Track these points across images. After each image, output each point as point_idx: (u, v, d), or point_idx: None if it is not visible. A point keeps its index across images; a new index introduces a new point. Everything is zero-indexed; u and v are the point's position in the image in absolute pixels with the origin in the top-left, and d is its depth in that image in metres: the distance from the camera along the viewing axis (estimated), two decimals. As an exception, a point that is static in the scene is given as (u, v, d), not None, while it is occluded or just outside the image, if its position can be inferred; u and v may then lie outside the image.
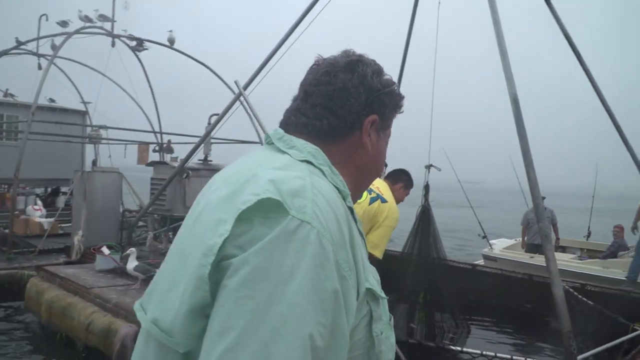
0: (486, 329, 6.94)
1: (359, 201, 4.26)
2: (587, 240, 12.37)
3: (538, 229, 3.71)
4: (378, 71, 1.17)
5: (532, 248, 10.49)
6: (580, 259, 10.77)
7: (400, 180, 4.76)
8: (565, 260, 9.72)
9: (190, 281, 0.88)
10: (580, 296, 6.13)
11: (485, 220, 10.71)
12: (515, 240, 11.95)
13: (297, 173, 0.96)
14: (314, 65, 1.18)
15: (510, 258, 10.11)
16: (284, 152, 1.06)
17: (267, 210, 0.87)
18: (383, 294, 1.08)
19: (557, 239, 11.17)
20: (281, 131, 1.14)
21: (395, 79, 1.26)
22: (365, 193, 4.34)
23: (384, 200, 4.37)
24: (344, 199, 1.03)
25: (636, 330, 5.25)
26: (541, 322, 6.72)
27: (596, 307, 5.85)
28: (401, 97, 1.22)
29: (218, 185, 1.03)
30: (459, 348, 5.00)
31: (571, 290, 6.22)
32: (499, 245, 11.24)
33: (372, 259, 4.34)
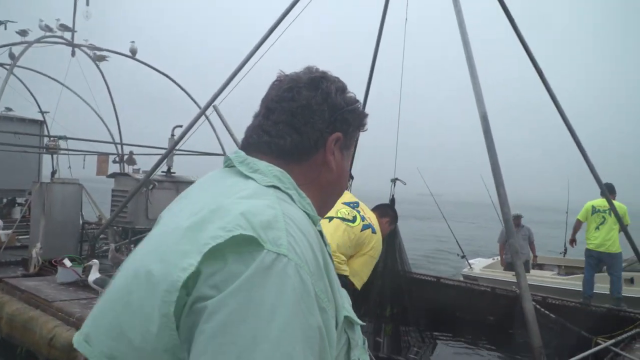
0: (451, 343, 6.99)
1: (351, 224, 4.31)
2: (564, 256, 12.21)
3: (509, 245, 3.74)
4: (342, 88, 1.15)
5: (512, 266, 10.17)
6: (559, 276, 10.70)
7: (387, 215, 4.86)
8: (547, 277, 9.74)
9: (153, 317, 0.81)
10: (542, 309, 6.24)
11: (454, 236, 10.63)
12: (493, 259, 11.74)
13: (267, 202, 0.92)
14: (275, 81, 1.15)
15: (492, 277, 9.86)
16: (247, 177, 1.01)
17: (239, 245, 0.82)
18: (358, 320, 1.06)
19: (535, 256, 11.10)
20: (242, 154, 1.08)
21: (361, 98, 1.24)
22: (358, 218, 4.37)
23: (374, 231, 4.39)
24: (314, 223, 1.00)
25: (599, 343, 5.36)
26: (504, 334, 6.81)
27: (559, 320, 5.96)
28: (365, 115, 1.20)
29: (177, 212, 0.99)
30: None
31: (533, 303, 6.32)
32: (478, 265, 11.05)
33: (349, 286, 4.26)
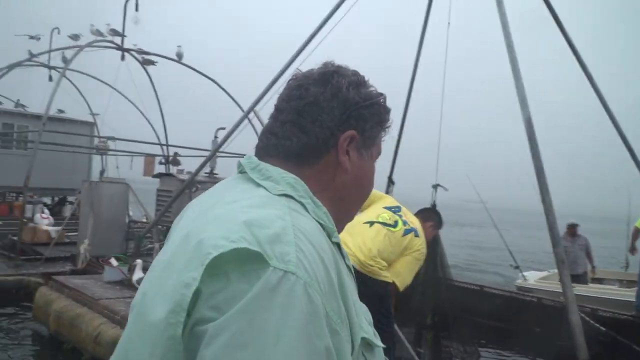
0: (495, 354, 6.80)
1: (392, 229, 4.20)
2: (625, 271, 10.98)
3: (555, 254, 3.60)
4: (357, 83, 1.05)
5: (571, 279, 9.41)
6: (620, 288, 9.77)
7: (431, 219, 4.72)
8: (611, 289, 9.11)
9: (157, 340, 0.76)
10: (592, 321, 6.00)
11: (507, 246, 9.64)
12: (549, 272, 10.57)
13: (276, 212, 0.84)
14: (290, 79, 1.08)
15: (548, 289, 8.87)
16: (259, 185, 0.94)
17: (243, 261, 0.75)
18: (379, 342, 0.98)
19: (593, 268, 10.18)
20: (255, 159, 1.01)
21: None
22: (400, 223, 4.27)
23: (417, 235, 4.28)
24: (329, 235, 0.93)
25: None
26: (551, 346, 6.58)
27: (609, 333, 5.71)
28: (386, 111, 1.10)
29: (185, 222, 0.94)
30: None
31: (582, 315, 6.09)
32: (533, 276, 10.15)
33: (390, 292, 4.19)
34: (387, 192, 7.11)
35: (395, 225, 4.24)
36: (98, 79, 15.33)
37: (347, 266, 0.99)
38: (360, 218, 4.37)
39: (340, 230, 1.06)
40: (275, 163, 0.99)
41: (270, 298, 0.73)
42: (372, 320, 1.02)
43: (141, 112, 15.16)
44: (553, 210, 3.80)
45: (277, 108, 1.06)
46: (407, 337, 6.03)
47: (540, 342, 6.81)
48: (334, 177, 1.02)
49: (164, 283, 0.81)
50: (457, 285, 6.93)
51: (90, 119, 16.81)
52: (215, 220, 0.84)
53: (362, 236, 4.12)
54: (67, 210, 13.71)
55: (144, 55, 13.07)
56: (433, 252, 6.11)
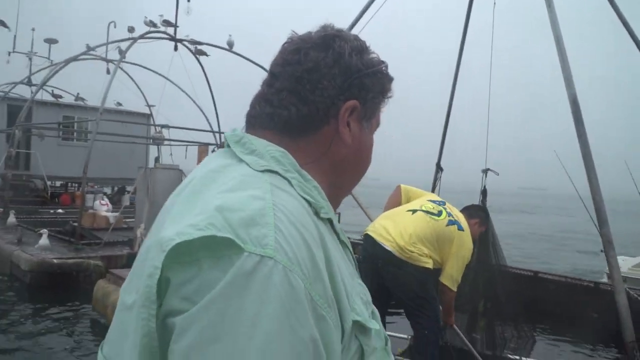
0: (552, 339, 6.66)
1: (436, 218, 4.20)
2: None
3: (602, 235, 3.49)
4: (359, 48, 0.96)
5: None
6: None
7: (477, 216, 4.64)
8: None
9: (136, 339, 0.70)
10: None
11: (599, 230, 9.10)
12: None
13: (254, 192, 0.76)
14: (285, 43, 0.98)
15: None
16: (241, 161, 0.86)
17: (215, 248, 0.68)
18: (374, 323, 0.88)
19: None
20: (239, 132, 0.93)
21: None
22: (444, 213, 4.26)
23: (460, 228, 4.24)
24: (317, 212, 0.85)
25: None
26: (609, 332, 6.39)
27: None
28: (389, 80, 1.01)
29: (166, 207, 0.87)
30: (517, 357, 4.80)
31: (638, 297, 5.88)
32: (625, 264, 9.04)
33: (444, 288, 4.23)
34: (435, 180, 7.03)
35: (439, 214, 4.23)
36: (152, 70, 15.73)
37: (343, 243, 0.93)
38: (404, 206, 4.39)
39: (336, 205, 1.00)
40: (267, 135, 0.91)
41: (245, 286, 0.66)
42: (370, 299, 0.94)
43: (194, 101, 15.49)
44: (600, 192, 3.68)
45: (272, 73, 0.96)
46: (461, 324, 5.98)
47: (597, 328, 6.62)
48: (328, 148, 0.94)
49: (136, 276, 0.76)
50: (511, 272, 6.80)
51: (146, 110, 17.33)
52: (184, 211, 0.77)
53: (404, 223, 4.15)
54: (126, 199, 14.25)
55: (196, 45, 13.32)
56: (485, 238, 6.02)
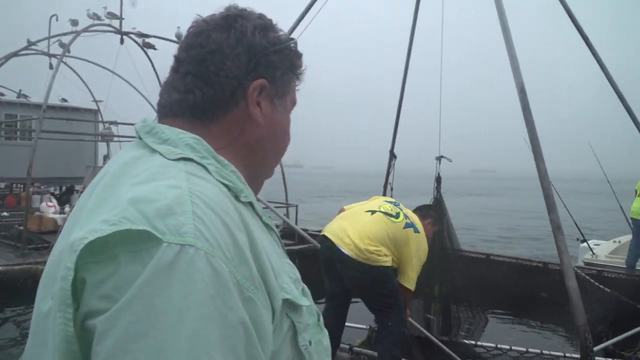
0: (504, 319, 6.88)
1: (394, 220, 4.23)
2: None
3: (550, 221, 3.61)
4: (263, 26, 0.95)
5: None
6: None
7: (429, 216, 4.71)
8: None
9: (55, 346, 0.67)
10: (597, 283, 6.04)
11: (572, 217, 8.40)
12: (615, 241, 9.47)
13: (169, 181, 0.74)
14: (190, 27, 0.96)
15: (622, 264, 7.79)
16: (154, 151, 0.83)
17: (131, 242, 0.66)
18: (304, 300, 0.87)
19: None
20: (149, 122, 0.91)
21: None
22: (402, 215, 4.30)
23: (416, 231, 4.30)
24: (237, 197, 0.83)
25: (656, 317, 5.15)
26: (558, 310, 6.65)
27: (614, 294, 5.76)
28: (298, 56, 1.00)
29: (79, 205, 0.83)
30: (473, 342, 4.94)
31: (587, 277, 6.13)
32: (602, 250, 8.85)
33: (403, 289, 4.26)
34: (389, 167, 7.11)
35: (397, 216, 4.27)
36: (98, 65, 15.27)
37: (266, 224, 0.92)
38: (362, 207, 4.41)
39: (257, 188, 1.00)
40: (177, 123, 0.89)
41: (167, 277, 0.64)
42: (299, 277, 0.93)
43: (144, 96, 15.12)
44: (547, 177, 3.81)
45: (177, 59, 0.94)
46: (417, 308, 6.10)
47: (548, 307, 6.88)
48: (241, 131, 0.93)
49: (50, 281, 0.73)
50: (465, 255, 6.98)
51: (93, 106, 16.82)
52: (96, 207, 0.74)
53: (363, 224, 4.16)
54: (75, 199, 13.81)
55: (144, 38, 13.00)
56: (440, 223, 6.15)
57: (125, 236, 0.66)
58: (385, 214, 4.25)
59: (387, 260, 4.08)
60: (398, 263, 4.26)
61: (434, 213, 4.84)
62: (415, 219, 4.43)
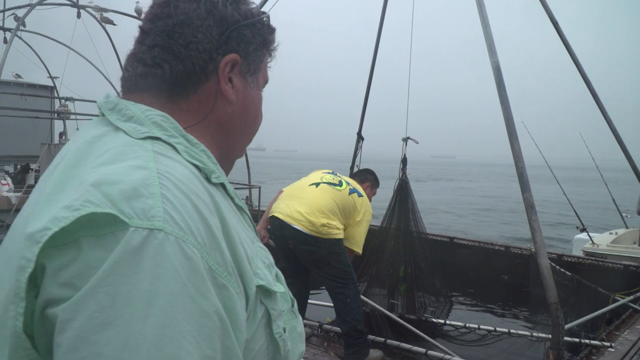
0: (467, 302, 6.96)
1: (339, 188, 4.26)
2: None
3: (524, 199, 3.62)
4: None
5: None
6: None
7: (367, 179, 4.82)
8: None
9: (4, 342, 0.62)
10: (558, 267, 6.14)
11: (572, 206, 8.41)
12: (612, 233, 9.13)
13: (135, 161, 0.70)
14: None
15: (626, 254, 7.52)
16: (118, 129, 0.78)
17: (95, 226, 0.61)
18: (278, 286, 0.84)
19: None
20: (113, 98, 0.85)
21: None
22: (344, 182, 4.36)
23: (360, 195, 4.39)
24: (207, 178, 0.79)
25: (617, 300, 5.27)
26: (520, 293, 6.77)
27: (575, 277, 5.87)
28: (271, 30, 0.95)
29: (39, 187, 0.78)
30: (441, 321, 4.97)
31: (548, 260, 6.21)
32: (601, 240, 8.49)
33: (352, 254, 4.30)
34: (356, 149, 7.09)
35: (340, 184, 4.34)
36: (53, 39, 14.70)
37: (239, 207, 0.88)
38: (304, 182, 4.41)
39: (228, 168, 0.95)
40: (144, 98, 0.84)
41: (134, 262, 0.60)
42: (273, 262, 0.91)
43: (101, 72, 14.66)
44: (522, 157, 3.80)
45: (142, 30, 0.88)
46: (381, 291, 6.11)
47: (509, 289, 6.99)
48: (211, 107, 0.88)
49: (1, 267, 0.68)
50: (429, 238, 7.01)
51: (49, 82, 16.23)
52: (55, 191, 0.68)
53: (311, 198, 4.17)
54: (31, 178, 13.38)
55: (101, 13, 12.55)
56: (405, 205, 6.16)
57: (89, 220, 0.61)
58: (329, 183, 4.31)
59: (339, 233, 4.12)
60: (347, 230, 4.30)
61: (371, 177, 4.91)
62: (355, 184, 4.51)
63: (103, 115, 0.83)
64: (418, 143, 6.08)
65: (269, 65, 0.99)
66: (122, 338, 0.57)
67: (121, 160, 0.70)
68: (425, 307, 6.12)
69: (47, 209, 0.65)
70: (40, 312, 0.61)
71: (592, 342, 4.06)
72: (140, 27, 0.89)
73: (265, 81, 0.99)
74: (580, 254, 7.78)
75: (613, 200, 9.26)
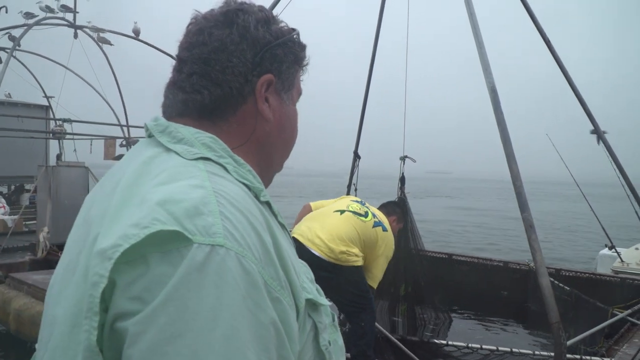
0: (467, 318, 6.94)
1: (364, 219, 4.22)
2: None
3: (523, 219, 3.63)
4: (265, 20, 0.93)
5: None
6: None
7: (394, 213, 4.78)
8: None
9: (77, 355, 0.65)
10: (556, 282, 6.15)
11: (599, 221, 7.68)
12: (637, 248, 8.60)
13: (193, 181, 0.74)
14: (189, 24, 0.95)
15: None
16: (169, 150, 0.82)
17: (162, 242, 0.65)
18: (323, 299, 0.90)
19: None
20: (163, 120, 0.89)
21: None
22: (370, 214, 4.31)
23: (385, 229, 4.33)
24: (257, 196, 0.83)
25: (615, 314, 5.28)
26: (519, 308, 6.76)
27: (573, 292, 5.87)
28: (302, 47, 0.99)
29: (89, 206, 0.83)
30: (444, 341, 4.95)
31: (549, 280, 6.20)
32: (628, 258, 7.93)
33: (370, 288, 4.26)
34: (353, 167, 7.11)
35: (366, 215, 4.29)
36: (50, 59, 14.72)
37: (281, 224, 0.91)
38: (330, 207, 4.39)
39: (268, 182, 0.99)
40: (187, 122, 0.87)
41: (199, 278, 0.64)
42: (313, 277, 0.96)
43: (98, 92, 14.66)
44: (520, 178, 3.82)
45: (180, 58, 0.92)
46: (382, 309, 6.09)
47: (509, 305, 6.98)
48: (253, 128, 0.92)
49: (73, 284, 0.71)
50: (428, 255, 7.01)
51: (44, 102, 16.22)
52: (121, 209, 0.72)
53: (333, 224, 4.14)
54: (25, 199, 13.31)
55: (99, 33, 12.59)
56: (404, 224, 6.16)
57: (156, 237, 0.65)
58: (354, 213, 4.25)
59: (357, 260, 4.08)
60: (366, 261, 4.26)
61: (398, 210, 4.90)
62: (382, 217, 4.46)
63: (150, 136, 0.87)
64: (415, 162, 6.12)
65: (301, 79, 1.03)
66: (192, 349, 0.60)
67: (179, 180, 0.74)
68: (426, 324, 6.10)
69: (115, 226, 0.69)
70: (110, 326, 0.65)
71: (593, 358, 4.06)
72: (178, 56, 0.93)
73: (299, 95, 1.03)
74: (608, 272, 7.36)
75: (636, 212, 8.72)
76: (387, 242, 4.30)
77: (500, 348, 4.71)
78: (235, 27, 0.90)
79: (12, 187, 16.08)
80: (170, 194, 0.70)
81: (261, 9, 0.95)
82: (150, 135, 0.87)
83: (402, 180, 6.09)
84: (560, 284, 6.13)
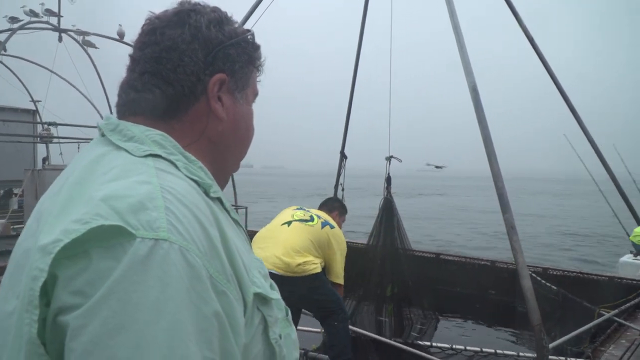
0: (454, 318, 6.95)
1: (311, 224, 4.29)
2: None
3: (505, 220, 3.63)
4: (218, 20, 0.94)
5: None
6: None
7: (334, 208, 4.88)
8: None
9: (20, 347, 0.66)
10: (543, 281, 6.17)
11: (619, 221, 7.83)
12: None
13: (139, 177, 0.75)
14: (143, 24, 0.95)
15: None
16: (119, 148, 0.83)
17: (104, 237, 0.66)
18: (273, 294, 0.91)
19: None
20: (114, 119, 0.90)
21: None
22: (315, 217, 4.40)
23: (332, 227, 4.42)
24: (206, 192, 0.84)
25: (602, 314, 5.29)
26: (506, 308, 6.77)
27: (560, 291, 5.89)
28: (255, 48, 1.00)
29: (44, 204, 0.83)
30: (428, 343, 4.96)
31: (534, 275, 6.24)
32: None
33: (335, 286, 4.33)
34: (340, 167, 7.11)
35: (312, 219, 4.37)
36: (35, 63, 14.61)
37: (235, 220, 0.93)
38: (276, 222, 4.42)
39: (223, 183, 1.00)
40: (139, 121, 0.89)
41: (142, 271, 0.64)
42: (267, 273, 0.97)
43: (84, 95, 14.57)
44: (501, 177, 3.83)
45: (132, 58, 0.93)
46: (368, 310, 6.09)
47: (496, 304, 6.99)
48: (204, 126, 0.93)
49: (15, 280, 0.72)
50: (415, 255, 7.01)
51: (31, 106, 16.11)
52: (65, 206, 0.73)
53: (285, 238, 4.18)
54: (14, 203, 13.21)
55: (83, 36, 12.51)
56: (390, 223, 6.16)
57: (99, 232, 0.66)
58: (301, 220, 4.34)
59: (316, 267, 4.14)
60: (325, 262, 4.34)
61: (337, 204, 4.99)
62: (325, 216, 4.55)
63: (102, 135, 0.88)
64: (401, 161, 6.12)
65: (258, 79, 1.04)
66: (135, 341, 0.61)
67: (126, 177, 0.75)
68: (413, 324, 6.10)
69: (58, 223, 0.69)
70: (52, 320, 0.65)
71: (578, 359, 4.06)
72: (131, 56, 0.94)
73: (255, 95, 1.04)
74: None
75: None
76: (337, 239, 4.38)
77: (484, 349, 4.73)
78: (187, 27, 0.91)
79: (1, 192, 15.96)
80: (116, 190, 0.71)
81: (214, 9, 0.96)
82: (103, 135, 0.88)
83: (388, 180, 6.10)
84: (547, 283, 6.15)
